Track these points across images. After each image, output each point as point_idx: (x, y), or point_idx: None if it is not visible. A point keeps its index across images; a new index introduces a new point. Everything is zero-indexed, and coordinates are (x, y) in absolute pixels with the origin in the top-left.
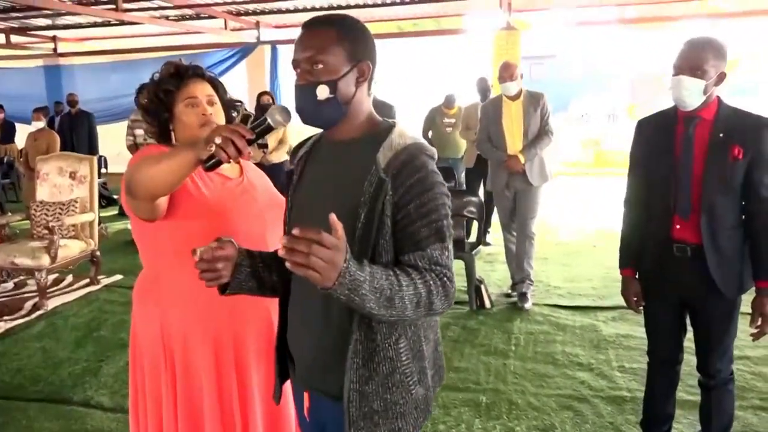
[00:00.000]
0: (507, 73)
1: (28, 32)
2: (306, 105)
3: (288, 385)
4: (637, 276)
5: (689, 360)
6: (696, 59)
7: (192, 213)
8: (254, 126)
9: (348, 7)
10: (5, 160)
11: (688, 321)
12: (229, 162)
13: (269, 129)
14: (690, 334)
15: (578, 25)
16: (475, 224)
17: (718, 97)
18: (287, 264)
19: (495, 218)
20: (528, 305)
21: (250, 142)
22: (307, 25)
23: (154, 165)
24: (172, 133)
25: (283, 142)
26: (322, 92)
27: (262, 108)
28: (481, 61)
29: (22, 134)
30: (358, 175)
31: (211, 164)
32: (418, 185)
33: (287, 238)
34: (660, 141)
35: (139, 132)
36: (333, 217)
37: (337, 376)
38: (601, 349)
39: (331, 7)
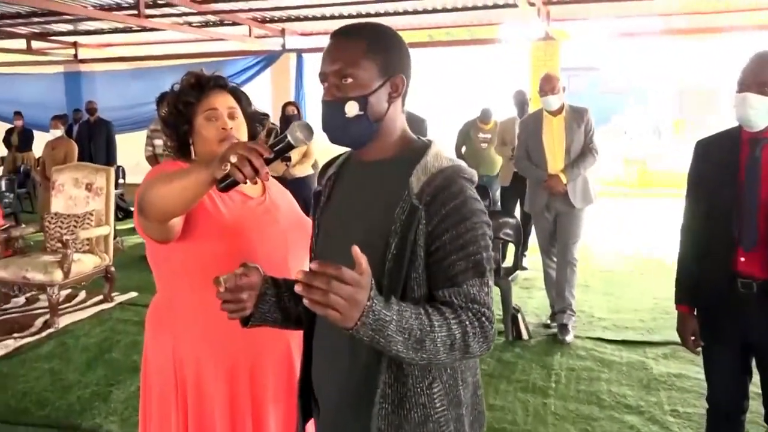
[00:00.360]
0: (548, 86)
1: (48, 38)
2: (333, 122)
3: (311, 425)
4: (695, 312)
5: (755, 407)
6: (764, 75)
7: (209, 234)
8: (273, 144)
9: (377, 15)
10: (22, 168)
11: (753, 365)
12: (245, 182)
13: (289, 147)
14: (756, 378)
15: (620, 36)
16: (511, 247)
17: None
18: (305, 302)
19: (532, 240)
20: (569, 338)
21: (268, 162)
22: (336, 35)
23: (167, 184)
24: (192, 148)
25: (307, 155)
26: (351, 109)
27: (286, 119)
28: (517, 73)
29: (40, 142)
30: (389, 201)
31: (226, 184)
32: (454, 214)
33: (305, 274)
34: (722, 164)
35: (159, 142)
36: (356, 250)
37: (363, 422)
38: (652, 390)
39: (359, 15)
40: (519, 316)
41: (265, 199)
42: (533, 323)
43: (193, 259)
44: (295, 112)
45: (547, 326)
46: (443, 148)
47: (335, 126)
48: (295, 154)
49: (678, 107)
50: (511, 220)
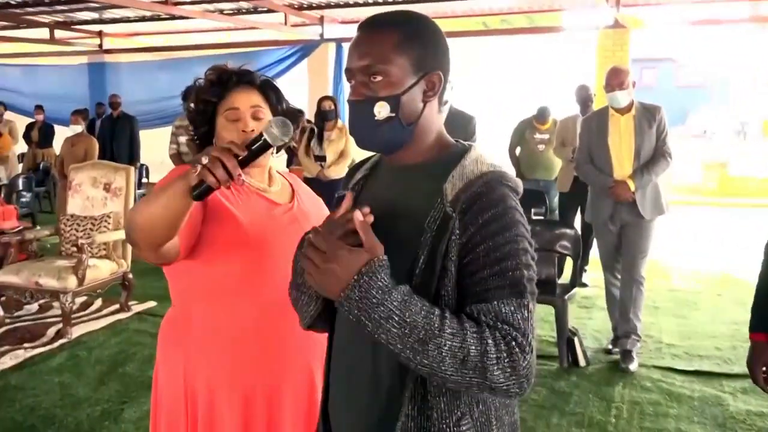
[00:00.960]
0: (616, 80)
1: (72, 27)
2: (361, 125)
3: None
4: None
5: None
6: None
7: (227, 248)
8: (249, 143)
9: (426, 0)
10: (42, 166)
11: None
12: (219, 187)
13: (267, 146)
14: None
15: (700, 24)
16: (569, 262)
17: None
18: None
19: (593, 254)
20: (633, 366)
21: (244, 163)
22: (364, 26)
23: (149, 205)
24: None
25: (344, 155)
26: (382, 110)
27: (322, 116)
28: (581, 65)
29: (61, 138)
30: (420, 209)
31: (199, 192)
32: (492, 223)
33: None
34: None
35: (183, 140)
36: (357, 215)
37: None
38: (728, 430)
39: (406, 1)
40: (576, 339)
41: (294, 206)
42: (592, 348)
43: (211, 276)
44: (333, 107)
45: (608, 352)
46: (485, 152)
47: (363, 129)
48: (330, 154)
49: (766, 104)
50: (569, 231)
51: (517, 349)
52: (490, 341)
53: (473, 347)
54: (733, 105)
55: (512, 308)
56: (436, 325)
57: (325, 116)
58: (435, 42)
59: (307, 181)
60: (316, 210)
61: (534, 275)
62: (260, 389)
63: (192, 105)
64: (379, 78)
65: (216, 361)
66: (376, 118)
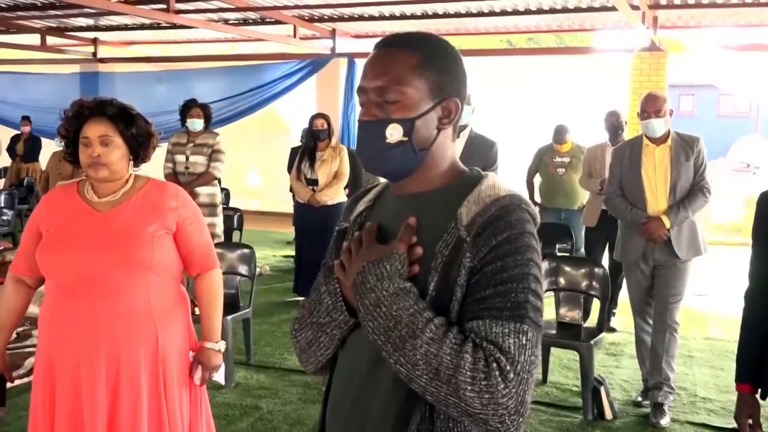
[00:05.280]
0: (653, 107)
1: (65, 33)
2: (370, 148)
3: None
4: (758, 394)
5: None
6: None
7: (39, 258)
8: None
9: (447, 15)
10: (25, 181)
11: None
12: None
13: None
14: None
15: (744, 49)
16: (596, 303)
17: None
18: None
19: (623, 296)
20: (665, 421)
21: None
22: (382, 46)
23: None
24: None
25: (338, 177)
26: (394, 133)
27: (313, 135)
28: (613, 90)
29: (49, 151)
30: (431, 236)
31: None
32: (505, 245)
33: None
34: None
35: (180, 158)
36: (408, 224)
37: None
38: None
39: (425, 15)
40: (602, 389)
41: (114, 212)
42: (620, 400)
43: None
44: (326, 126)
45: (637, 404)
46: (502, 180)
47: (372, 152)
48: (323, 176)
49: None
50: (598, 270)
51: (497, 373)
52: (467, 357)
53: (447, 358)
54: None
55: (506, 330)
56: (418, 327)
57: (317, 135)
58: (454, 68)
59: (301, 206)
60: (137, 218)
61: (541, 306)
62: (84, 360)
63: (62, 131)
64: (394, 99)
65: (46, 341)
66: (387, 140)
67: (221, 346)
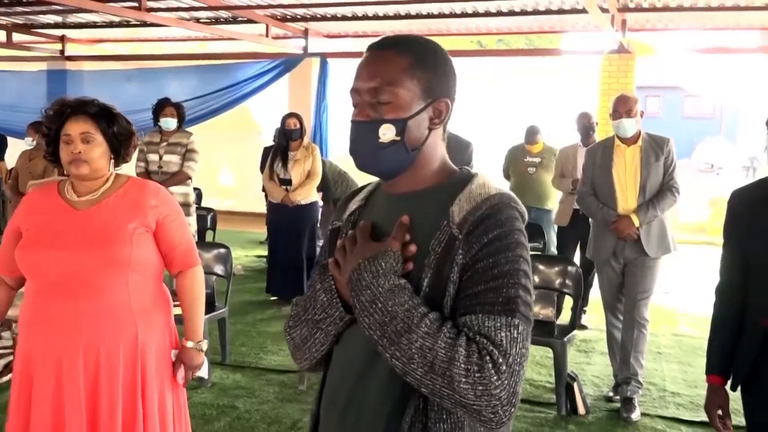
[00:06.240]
0: (624, 107)
1: (32, 30)
2: (364, 147)
3: None
4: (728, 385)
5: None
6: None
7: (18, 258)
8: None
9: (418, 16)
10: None
11: None
12: None
13: None
14: None
15: (709, 52)
16: (568, 301)
17: None
18: None
19: (594, 294)
20: (635, 416)
21: None
22: (376, 48)
23: None
24: None
25: (311, 176)
26: (387, 132)
27: (286, 135)
28: (582, 92)
29: (14, 150)
30: (423, 234)
31: None
32: (496, 242)
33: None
34: (758, 215)
35: (154, 158)
36: (402, 221)
37: None
38: None
39: (397, 16)
40: (575, 385)
41: (94, 210)
42: (592, 395)
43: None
44: (297, 126)
45: (609, 399)
46: (491, 178)
47: (366, 151)
48: (296, 175)
49: None
50: (570, 268)
51: (490, 365)
52: (461, 350)
53: (442, 351)
54: (742, 138)
55: (497, 324)
56: (414, 322)
57: (290, 135)
58: (445, 70)
59: (274, 206)
60: (114, 216)
61: (531, 301)
62: (65, 355)
63: (43, 129)
64: (387, 100)
65: (26, 340)
66: (380, 140)
67: (204, 345)
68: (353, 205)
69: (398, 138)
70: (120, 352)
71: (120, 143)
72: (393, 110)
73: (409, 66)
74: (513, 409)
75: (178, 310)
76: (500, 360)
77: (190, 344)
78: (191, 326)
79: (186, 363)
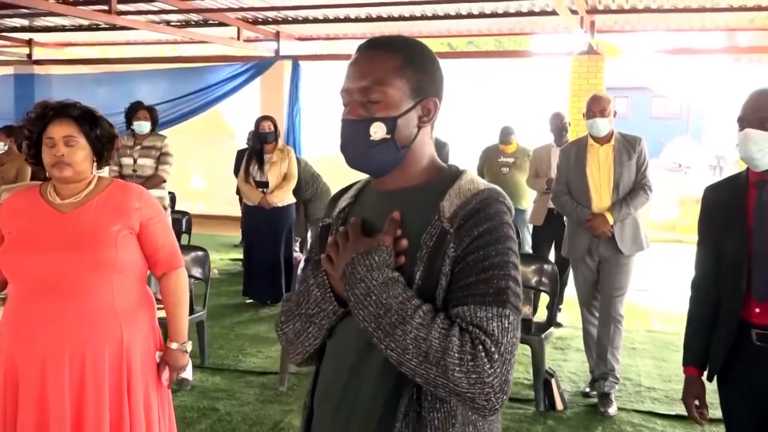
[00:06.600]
0: (598, 107)
1: None
2: (355, 145)
3: None
4: (704, 376)
5: None
6: (764, 110)
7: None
8: None
9: (390, 18)
10: None
11: None
12: None
13: None
14: None
15: (676, 53)
16: (544, 299)
17: None
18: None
19: (570, 291)
20: (612, 410)
21: None
22: (366, 48)
23: None
24: None
25: (288, 178)
26: (378, 131)
27: (260, 138)
28: (553, 93)
29: None
30: (415, 229)
31: None
32: (485, 235)
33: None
34: (729, 210)
35: (128, 161)
36: (393, 217)
37: None
38: None
39: (369, 18)
40: (553, 381)
41: (76, 213)
42: (569, 391)
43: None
44: (272, 128)
45: (585, 395)
46: (477, 176)
47: (357, 149)
48: (272, 178)
49: None
50: (547, 267)
51: (482, 354)
52: (455, 340)
53: (436, 342)
54: (709, 138)
55: (489, 315)
56: (408, 313)
57: (264, 138)
58: (432, 69)
59: (250, 209)
60: (97, 218)
61: (520, 292)
62: (51, 357)
63: (26, 132)
64: (377, 99)
65: (10, 343)
66: (371, 138)
67: (188, 346)
68: (343, 203)
69: (389, 136)
70: (105, 355)
71: (103, 146)
72: (383, 109)
73: (398, 66)
74: (505, 397)
75: (162, 313)
76: (492, 349)
77: (174, 345)
78: (176, 328)
79: (170, 364)
